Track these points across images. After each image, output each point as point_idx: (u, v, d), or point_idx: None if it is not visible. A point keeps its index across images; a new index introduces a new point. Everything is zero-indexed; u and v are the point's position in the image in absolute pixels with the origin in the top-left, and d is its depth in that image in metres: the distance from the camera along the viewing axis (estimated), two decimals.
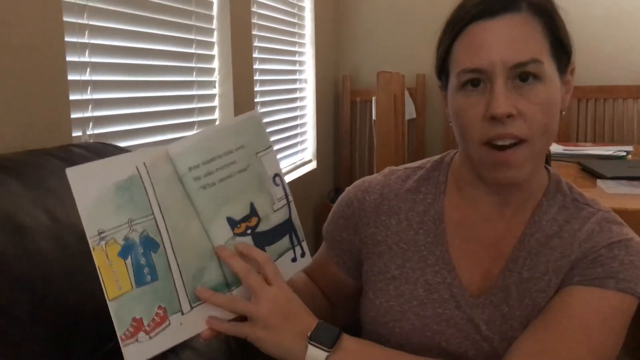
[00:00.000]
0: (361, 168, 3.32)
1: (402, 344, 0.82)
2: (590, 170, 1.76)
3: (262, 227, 0.77)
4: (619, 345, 0.76)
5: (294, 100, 2.82)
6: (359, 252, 0.91)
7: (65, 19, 1.21)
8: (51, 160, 0.93)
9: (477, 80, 0.74)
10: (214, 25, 1.99)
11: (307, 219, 2.87)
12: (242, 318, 0.74)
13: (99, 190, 0.66)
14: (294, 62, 2.83)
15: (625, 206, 1.31)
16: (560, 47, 0.76)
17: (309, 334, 0.71)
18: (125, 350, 0.66)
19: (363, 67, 3.39)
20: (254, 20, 2.26)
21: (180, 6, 1.75)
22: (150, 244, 0.69)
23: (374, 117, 2.38)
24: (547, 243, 0.80)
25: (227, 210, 0.74)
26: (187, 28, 1.81)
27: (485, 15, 0.74)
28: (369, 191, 0.91)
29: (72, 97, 1.24)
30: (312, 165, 3.04)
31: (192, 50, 1.84)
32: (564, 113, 0.79)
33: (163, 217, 0.70)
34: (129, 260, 0.67)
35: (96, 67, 1.37)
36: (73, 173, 0.66)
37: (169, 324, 0.69)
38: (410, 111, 3.13)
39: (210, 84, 1.98)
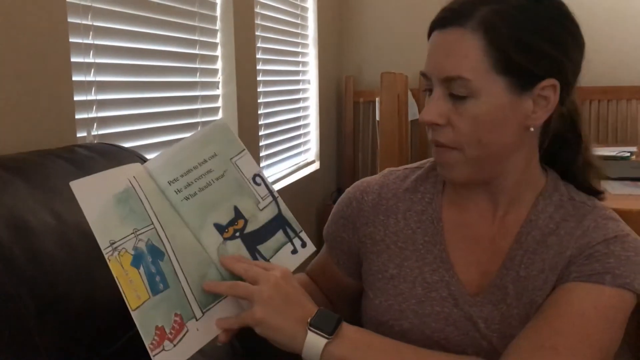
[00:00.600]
0: (364, 169, 3.32)
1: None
2: (602, 168, 1.75)
3: (250, 228, 0.79)
4: (618, 341, 0.77)
5: (297, 100, 2.82)
6: (358, 252, 0.92)
7: (70, 19, 1.22)
8: (56, 160, 0.93)
9: (429, 86, 0.79)
10: (218, 26, 1.99)
11: (310, 220, 2.86)
12: (249, 329, 0.74)
13: (103, 202, 0.69)
14: (297, 63, 2.83)
15: (629, 207, 1.31)
16: (513, 65, 0.73)
17: (309, 320, 0.71)
18: (159, 357, 0.67)
19: (366, 67, 3.39)
20: (257, 21, 2.27)
21: (184, 7, 1.75)
22: (156, 252, 0.71)
23: (377, 118, 2.38)
24: (544, 241, 0.81)
25: (213, 217, 0.76)
26: (191, 29, 1.81)
27: (439, 26, 0.77)
28: (368, 191, 0.92)
29: (76, 98, 1.24)
30: (315, 166, 3.03)
31: (196, 51, 1.84)
32: (532, 129, 0.78)
33: (161, 226, 0.72)
34: (141, 270, 0.68)
35: (100, 68, 1.37)
36: (77, 186, 0.68)
37: (187, 330, 0.70)
38: (413, 112, 3.12)
39: (214, 85, 1.98)
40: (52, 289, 0.74)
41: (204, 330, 0.71)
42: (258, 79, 2.26)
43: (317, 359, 0.70)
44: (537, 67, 0.74)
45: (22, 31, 1.07)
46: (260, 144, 2.30)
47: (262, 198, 0.81)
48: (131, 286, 0.67)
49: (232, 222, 0.77)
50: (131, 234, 0.69)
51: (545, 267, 0.79)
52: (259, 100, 2.28)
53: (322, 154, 3.12)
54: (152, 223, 0.71)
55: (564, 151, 0.85)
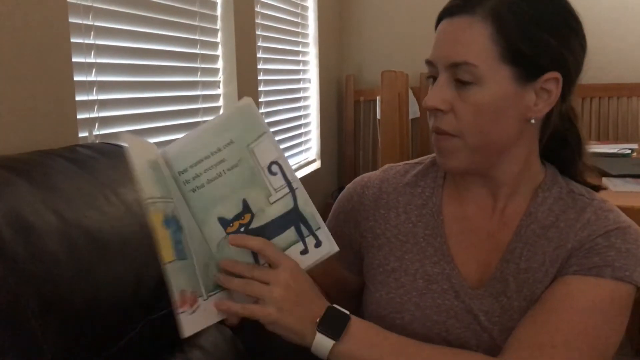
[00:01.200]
0: (365, 167, 3.32)
1: (403, 335, 0.83)
2: (596, 168, 1.75)
3: (256, 223, 0.75)
4: (619, 335, 0.77)
5: (297, 100, 2.82)
6: (360, 246, 0.93)
7: (71, 20, 1.22)
8: (58, 160, 0.93)
9: (434, 74, 0.80)
10: (218, 25, 1.99)
11: None
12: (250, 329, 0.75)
13: (144, 161, 0.69)
14: (297, 62, 2.83)
15: (631, 204, 1.31)
16: (519, 55, 0.74)
17: (317, 320, 0.72)
18: (181, 317, 0.68)
19: (366, 66, 3.39)
20: (258, 21, 2.27)
21: (185, 7, 1.75)
22: (178, 224, 0.71)
23: (378, 117, 2.38)
24: (543, 234, 0.81)
25: (218, 211, 0.74)
26: (192, 28, 1.81)
27: (447, 15, 0.79)
28: (368, 185, 0.93)
29: (78, 98, 1.24)
30: (316, 165, 3.04)
31: (197, 51, 1.84)
32: (533, 122, 0.79)
33: (177, 206, 0.72)
34: (170, 232, 0.69)
35: (102, 68, 1.37)
36: (129, 140, 0.69)
37: (198, 305, 0.71)
38: (413, 110, 3.12)
39: (215, 84, 1.99)
40: (55, 288, 0.74)
41: (208, 312, 0.72)
42: (259, 78, 2.26)
43: (325, 358, 0.73)
44: (541, 59, 0.75)
45: (23, 32, 1.08)
46: None
47: (275, 190, 0.75)
48: (164, 242, 0.67)
49: (238, 217, 0.74)
50: (163, 197, 0.70)
51: (545, 259, 0.80)
52: (259, 100, 2.28)
53: (323, 153, 3.12)
54: (173, 198, 0.72)
55: (562, 150, 0.86)
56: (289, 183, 0.75)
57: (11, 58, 1.05)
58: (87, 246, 0.81)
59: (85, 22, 1.30)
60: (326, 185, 3.17)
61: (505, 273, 0.81)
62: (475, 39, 0.75)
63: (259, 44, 2.28)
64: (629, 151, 2.08)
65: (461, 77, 0.75)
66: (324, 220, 0.97)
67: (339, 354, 0.72)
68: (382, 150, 2.14)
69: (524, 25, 0.74)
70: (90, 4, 1.32)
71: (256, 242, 0.74)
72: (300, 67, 2.87)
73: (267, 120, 2.37)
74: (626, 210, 0.84)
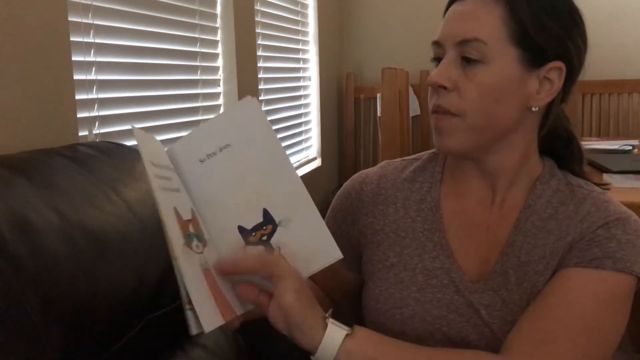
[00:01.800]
0: (366, 165, 3.32)
1: (403, 331, 0.83)
2: (597, 164, 1.76)
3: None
4: (621, 327, 0.76)
5: (298, 98, 2.82)
6: (359, 243, 0.92)
7: (71, 18, 1.22)
8: (58, 159, 0.93)
9: (439, 55, 0.80)
10: (218, 23, 1.99)
11: None
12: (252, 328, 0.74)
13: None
14: (297, 60, 2.83)
15: (632, 200, 1.31)
16: (527, 39, 0.76)
17: (327, 314, 0.71)
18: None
19: (366, 64, 3.39)
20: (258, 19, 2.27)
21: (184, 5, 1.75)
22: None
23: (378, 114, 2.38)
24: (543, 226, 0.81)
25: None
26: (191, 27, 1.81)
27: None
28: (366, 182, 0.93)
29: (78, 97, 1.24)
30: (317, 163, 3.04)
31: (197, 49, 1.84)
32: (534, 109, 0.79)
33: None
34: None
35: (101, 67, 1.37)
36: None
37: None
38: (414, 108, 3.12)
39: (215, 83, 1.99)
40: (56, 286, 0.74)
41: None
42: (259, 76, 2.26)
43: (334, 352, 0.69)
44: (548, 47, 0.77)
45: (23, 30, 1.07)
46: None
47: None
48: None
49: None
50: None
51: (546, 252, 0.80)
52: (260, 98, 2.28)
53: (324, 151, 3.12)
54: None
55: (559, 148, 0.87)
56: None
57: (11, 57, 1.05)
58: (88, 245, 0.80)
59: (84, 20, 1.30)
60: (327, 183, 3.17)
61: (506, 266, 0.81)
62: (487, 18, 0.76)
63: (259, 42, 2.28)
64: (630, 147, 2.08)
65: (469, 54, 0.76)
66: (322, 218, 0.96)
67: (350, 351, 0.69)
68: (382, 148, 2.14)
69: (535, 11, 0.76)
70: (90, 3, 1.32)
71: (249, 264, 0.70)
72: (301, 65, 2.87)
73: (267, 118, 2.37)
74: (627, 206, 0.84)
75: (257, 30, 2.26)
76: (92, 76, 1.33)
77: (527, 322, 0.76)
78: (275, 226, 0.72)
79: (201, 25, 1.86)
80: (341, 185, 0.99)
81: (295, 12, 2.77)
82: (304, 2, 2.89)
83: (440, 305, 0.82)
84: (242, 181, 0.72)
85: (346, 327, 0.71)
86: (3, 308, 0.68)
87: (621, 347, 0.78)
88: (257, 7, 2.26)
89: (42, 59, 1.12)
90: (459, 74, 0.77)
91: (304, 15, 2.91)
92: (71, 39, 1.21)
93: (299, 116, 2.83)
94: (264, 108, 2.33)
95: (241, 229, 0.71)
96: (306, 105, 2.95)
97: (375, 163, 3.24)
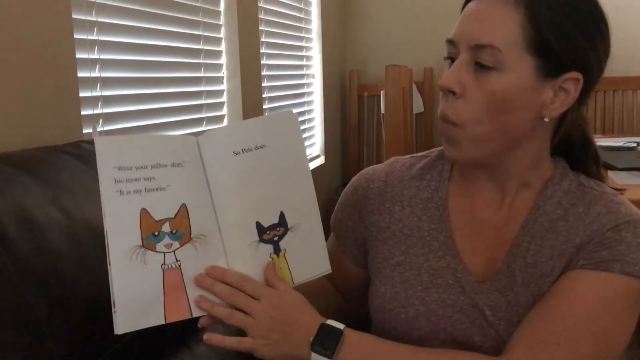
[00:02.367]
0: (369, 163, 3.32)
1: (408, 331, 0.83)
2: (601, 161, 1.75)
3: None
4: (628, 333, 0.75)
5: (301, 95, 2.82)
6: (365, 240, 0.92)
7: (74, 16, 1.22)
8: (63, 156, 0.93)
9: (453, 54, 0.77)
10: (222, 21, 1.99)
11: None
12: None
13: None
14: (301, 57, 2.82)
15: (637, 197, 1.31)
16: (545, 48, 0.72)
17: (311, 340, 0.72)
18: None
19: (370, 61, 3.38)
20: (261, 16, 2.26)
21: (188, 2, 1.75)
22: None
23: (382, 111, 2.37)
24: (552, 227, 0.79)
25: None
26: (195, 24, 1.81)
27: None
28: (373, 179, 0.92)
29: (82, 94, 1.24)
30: (320, 161, 3.03)
31: (200, 47, 1.84)
32: (546, 120, 0.76)
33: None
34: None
35: (105, 64, 1.37)
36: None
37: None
38: (418, 105, 3.12)
39: (218, 80, 1.98)
40: (61, 283, 0.74)
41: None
42: (262, 73, 2.26)
43: None
44: (567, 57, 0.73)
45: (27, 28, 1.08)
46: None
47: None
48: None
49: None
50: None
51: (553, 254, 0.78)
52: (263, 95, 2.28)
53: (327, 149, 3.11)
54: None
55: (575, 149, 0.84)
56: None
57: (15, 54, 1.05)
58: (92, 242, 0.81)
59: (88, 18, 1.30)
60: (330, 180, 3.17)
61: (512, 267, 0.80)
62: (505, 23, 0.72)
63: (263, 39, 2.28)
64: (635, 144, 2.08)
65: (483, 60, 0.73)
66: (329, 217, 0.97)
67: None
68: (386, 146, 2.14)
69: (556, 18, 0.72)
70: (94, 0, 1.32)
71: (234, 278, 0.73)
72: (304, 62, 2.87)
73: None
74: (632, 203, 0.83)
75: (261, 28, 2.25)
76: (96, 74, 1.34)
77: (530, 323, 0.75)
78: (286, 230, 0.77)
79: (205, 22, 1.86)
80: (345, 183, 0.99)
81: (298, 9, 2.77)
82: None
83: (445, 305, 0.82)
84: (268, 182, 0.76)
85: (329, 352, 0.72)
86: (8, 305, 0.68)
87: (629, 348, 0.77)
88: (261, 4, 2.26)
89: (46, 56, 1.12)
90: (470, 78, 0.74)
91: (308, 13, 2.91)
92: (75, 36, 1.21)
93: (302, 113, 2.83)
94: (267, 105, 2.33)
95: (258, 226, 0.75)
96: (310, 102, 2.95)
97: (378, 160, 3.25)
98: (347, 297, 1.01)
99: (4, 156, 0.87)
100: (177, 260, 0.71)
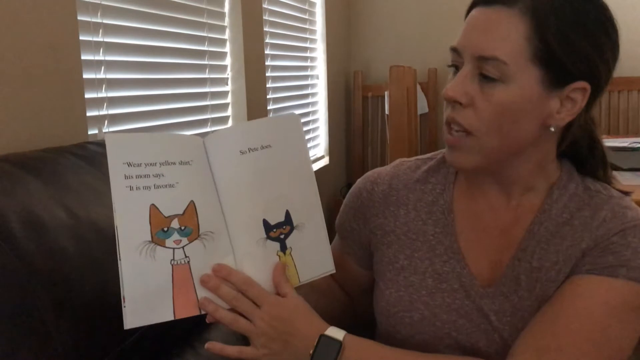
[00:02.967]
0: (373, 163, 3.32)
1: (412, 335, 0.82)
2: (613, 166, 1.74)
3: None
4: (633, 339, 0.74)
5: (305, 96, 2.82)
6: (369, 242, 0.92)
7: (80, 17, 1.22)
8: (68, 157, 0.94)
9: (457, 63, 0.76)
10: (226, 22, 1.99)
11: None
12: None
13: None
14: (305, 58, 2.83)
15: None
16: (552, 59, 0.71)
17: (311, 352, 0.72)
18: None
19: (374, 62, 3.38)
20: (266, 17, 2.27)
21: (193, 4, 1.76)
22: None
23: (386, 112, 2.37)
24: (557, 232, 0.79)
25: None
26: (200, 25, 1.81)
27: (483, 2, 0.75)
28: (378, 182, 0.91)
29: (87, 96, 1.25)
30: (325, 161, 3.03)
31: (205, 48, 1.85)
32: (552, 130, 0.76)
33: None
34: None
35: (110, 66, 1.38)
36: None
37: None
38: (422, 106, 3.11)
39: (223, 81, 1.99)
40: (66, 283, 0.75)
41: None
42: (267, 74, 2.26)
43: None
44: (574, 67, 0.72)
45: (33, 29, 1.08)
46: None
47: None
48: None
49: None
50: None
51: (559, 258, 0.78)
52: (268, 96, 2.28)
53: (332, 149, 3.11)
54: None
55: (583, 152, 0.83)
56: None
57: (21, 56, 1.06)
58: (97, 242, 0.81)
59: (94, 19, 1.31)
60: (335, 181, 3.17)
61: (517, 272, 0.79)
62: (510, 34, 0.71)
63: (267, 40, 2.28)
64: None
65: (487, 72, 0.72)
66: (333, 218, 0.97)
67: None
68: (390, 146, 2.14)
69: (563, 28, 0.70)
70: (99, 2, 1.32)
71: (240, 280, 0.73)
72: (308, 63, 2.87)
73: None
74: (637, 204, 0.82)
75: (265, 29, 2.26)
76: (101, 75, 1.34)
77: (534, 327, 0.75)
78: (292, 228, 0.78)
79: (209, 24, 1.86)
80: (349, 183, 1.00)
81: (303, 10, 2.77)
82: (312, 0, 2.89)
83: (450, 310, 0.81)
84: (273, 181, 0.77)
85: None
86: (14, 305, 0.69)
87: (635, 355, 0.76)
88: (265, 5, 2.26)
89: (52, 58, 1.13)
90: (475, 89, 0.73)
91: (312, 14, 2.91)
92: (80, 38, 1.22)
93: (306, 114, 2.83)
94: (271, 106, 2.34)
95: (265, 223, 0.76)
96: (314, 103, 2.95)
97: (383, 161, 3.25)
98: (352, 298, 1.01)
99: (10, 157, 0.88)
100: (186, 257, 0.71)
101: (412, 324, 0.82)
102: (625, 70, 2.87)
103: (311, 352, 0.72)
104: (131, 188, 0.69)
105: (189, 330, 0.97)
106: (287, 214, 0.77)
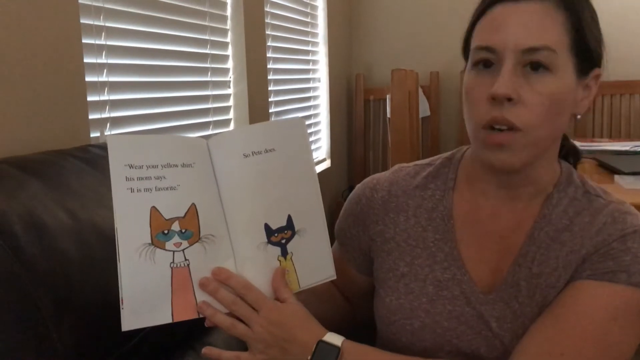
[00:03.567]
0: (375, 166, 3.32)
1: (413, 342, 0.82)
2: (608, 166, 1.74)
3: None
4: (634, 344, 0.74)
5: (307, 99, 2.82)
6: (369, 249, 0.91)
7: (82, 21, 1.23)
8: (70, 160, 0.94)
9: (489, 61, 0.75)
10: (228, 25, 2.00)
11: None
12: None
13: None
14: (307, 61, 2.83)
15: None
16: (583, 47, 0.75)
17: (308, 358, 0.72)
18: None
19: (376, 65, 3.38)
20: (268, 20, 2.27)
21: (195, 7, 1.76)
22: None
23: (388, 115, 2.38)
24: (557, 237, 0.78)
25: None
26: (202, 29, 1.82)
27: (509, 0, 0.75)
28: (377, 188, 0.91)
29: (89, 98, 1.25)
30: (326, 164, 3.04)
31: (207, 51, 1.85)
32: (579, 117, 0.78)
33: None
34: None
35: (113, 69, 1.38)
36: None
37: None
38: (424, 109, 3.11)
39: (225, 84, 1.99)
40: (68, 286, 0.75)
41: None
42: (269, 77, 2.27)
43: None
44: (596, 54, 0.76)
45: (35, 33, 1.09)
46: None
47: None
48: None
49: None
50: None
51: (559, 264, 0.77)
52: (269, 99, 2.28)
53: (333, 152, 3.12)
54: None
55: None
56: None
57: (23, 59, 1.06)
58: (99, 244, 0.81)
59: (96, 23, 1.31)
60: (336, 184, 3.17)
61: (517, 278, 0.79)
62: (554, 25, 0.73)
63: (269, 43, 2.29)
64: None
65: (539, 62, 0.72)
66: (335, 222, 0.97)
67: None
68: (392, 150, 2.14)
69: (589, 19, 0.75)
70: (102, 5, 1.33)
71: (239, 284, 0.73)
72: (310, 66, 2.88)
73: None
74: (638, 208, 0.83)
75: (267, 32, 2.26)
76: (103, 78, 1.35)
77: (535, 333, 0.75)
78: (293, 233, 0.77)
79: (211, 27, 1.87)
80: (350, 187, 0.99)
81: (305, 13, 2.77)
82: (314, 3, 2.90)
83: (451, 317, 0.81)
84: (276, 185, 0.77)
85: None
86: (16, 307, 0.69)
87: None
88: (267, 8, 2.26)
89: (54, 61, 1.13)
90: (521, 82, 0.72)
91: (314, 17, 2.92)
92: (83, 41, 1.22)
93: (308, 117, 2.83)
94: (273, 109, 2.34)
95: (267, 227, 0.76)
96: (316, 106, 2.95)
97: (384, 164, 3.25)
98: (352, 303, 1.00)
99: (13, 159, 0.88)
100: (185, 259, 0.71)
101: (413, 332, 0.82)
102: (626, 74, 2.87)
103: (309, 358, 0.72)
104: (132, 190, 0.69)
105: (189, 334, 0.97)
106: (289, 219, 0.77)
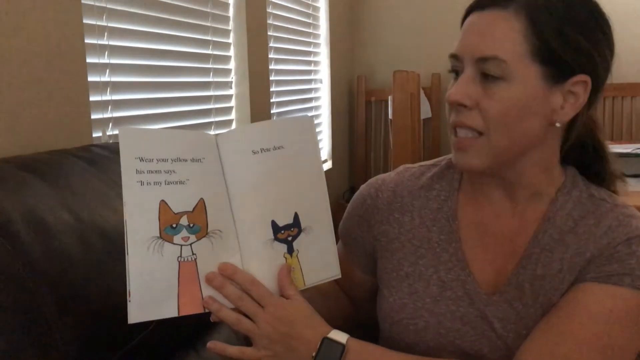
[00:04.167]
0: (376, 168, 3.32)
1: (416, 342, 0.82)
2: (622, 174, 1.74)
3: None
4: (637, 347, 0.74)
5: (309, 100, 2.83)
6: (373, 249, 0.91)
7: (85, 21, 1.23)
8: (73, 160, 0.94)
9: (457, 68, 0.77)
10: (230, 26, 2.00)
11: None
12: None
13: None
14: (309, 62, 2.83)
15: None
16: (550, 55, 0.73)
17: (313, 355, 0.72)
18: None
19: (378, 66, 3.39)
20: (270, 21, 2.27)
21: (197, 8, 1.76)
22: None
23: (390, 117, 2.38)
24: (561, 239, 0.79)
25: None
26: (204, 29, 1.82)
27: (477, 8, 0.77)
28: (382, 189, 0.91)
29: (92, 99, 1.25)
30: (328, 165, 3.04)
31: (209, 51, 1.85)
32: (558, 125, 0.77)
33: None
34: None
35: (115, 69, 1.39)
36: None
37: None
38: (425, 110, 3.12)
39: (227, 85, 2.00)
40: (71, 286, 0.75)
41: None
42: (271, 78, 2.27)
43: None
44: (572, 60, 0.74)
45: (38, 32, 1.09)
46: None
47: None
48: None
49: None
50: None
51: (563, 266, 0.77)
52: (271, 100, 2.28)
53: (335, 153, 3.12)
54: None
55: (582, 157, 0.84)
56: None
57: (26, 59, 1.06)
58: (101, 244, 0.81)
59: (99, 23, 1.31)
60: (337, 185, 3.17)
61: (521, 279, 0.79)
62: (507, 34, 0.73)
63: (271, 44, 2.29)
64: None
65: (489, 71, 0.73)
66: (336, 223, 0.97)
67: None
68: (393, 151, 2.14)
69: (558, 24, 0.73)
70: (104, 5, 1.33)
71: (245, 279, 0.73)
72: (312, 67, 2.88)
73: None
74: (639, 210, 0.82)
75: (269, 33, 2.26)
76: (106, 78, 1.35)
77: (539, 335, 0.75)
78: (300, 231, 0.78)
79: (214, 27, 1.87)
80: (352, 188, 0.99)
81: (306, 14, 2.78)
82: (316, 4, 2.90)
83: (454, 317, 0.81)
84: (284, 182, 0.77)
85: None
86: (19, 306, 0.69)
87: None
88: (269, 9, 2.27)
89: (57, 61, 1.13)
90: (478, 91, 0.74)
91: (316, 18, 2.92)
92: (85, 41, 1.22)
93: None
94: (275, 110, 2.34)
95: (273, 224, 0.76)
96: (317, 107, 2.95)
97: (386, 166, 3.25)
98: (355, 303, 1.00)
99: (15, 159, 0.88)
100: (193, 254, 0.71)
101: (416, 332, 0.82)
102: (629, 76, 2.87)
103: (314, 354, 0.72)
104: (142, 183, 0.69)
105: (192, 333, 0.97)
106: (296, 216, 0.77)
